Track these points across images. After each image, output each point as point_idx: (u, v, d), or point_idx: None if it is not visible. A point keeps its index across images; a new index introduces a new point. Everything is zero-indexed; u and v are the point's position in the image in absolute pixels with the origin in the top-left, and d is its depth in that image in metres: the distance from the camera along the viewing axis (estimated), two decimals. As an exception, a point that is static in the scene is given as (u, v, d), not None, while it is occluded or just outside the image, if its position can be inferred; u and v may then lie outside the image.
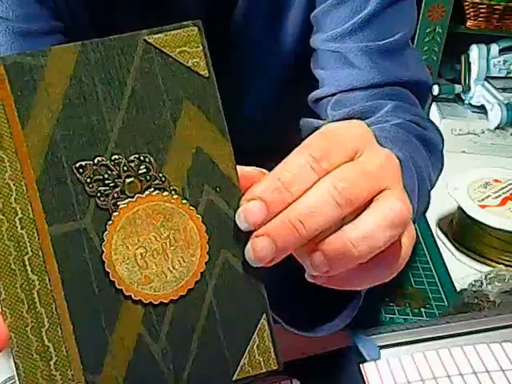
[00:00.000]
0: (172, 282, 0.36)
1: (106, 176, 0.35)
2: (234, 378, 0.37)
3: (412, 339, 0.53)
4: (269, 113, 0.90)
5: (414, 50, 0.79)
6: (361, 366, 0.51)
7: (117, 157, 0.35)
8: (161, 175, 0.36)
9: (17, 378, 0.35)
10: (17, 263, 0.34)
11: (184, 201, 0.36)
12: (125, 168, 0.35)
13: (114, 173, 0.35)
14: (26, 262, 0.35)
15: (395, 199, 0.37)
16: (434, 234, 0.88)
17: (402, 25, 0.75)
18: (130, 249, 0.36)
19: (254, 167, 0.38)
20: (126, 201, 0.35)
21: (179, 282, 0.36)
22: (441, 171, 0.78)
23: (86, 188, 0.35)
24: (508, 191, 0.86)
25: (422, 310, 0.73)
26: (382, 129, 0.67)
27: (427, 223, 0.90)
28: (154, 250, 0.36)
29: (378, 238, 0.36)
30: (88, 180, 0.35)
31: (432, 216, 0.92)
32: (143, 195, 0.35)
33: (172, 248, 0.36)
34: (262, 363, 0.37)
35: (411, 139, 0.67)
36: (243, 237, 0.36)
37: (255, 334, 0.37)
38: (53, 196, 0.35)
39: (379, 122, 0.70)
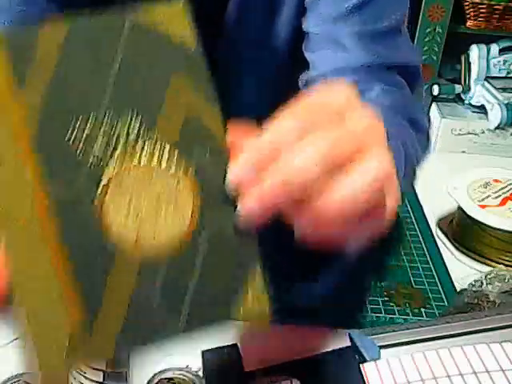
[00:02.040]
0: (166, 238, 0.38)
1: (99, 136, 0.36)
2: (227, 317, 0.38)
3: (412, 339, 0.53)
4: (266, 111, 0.90)
5: (405, 33, 0.80)
6: (361, 365, 0.51)
7: (109, 119, 0.37)
8: (152, 137, 0.37)
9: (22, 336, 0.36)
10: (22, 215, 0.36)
11: (175, 162, 0.37)
12: (117, 129, 0.37)
13: (106, 133, 0.36)
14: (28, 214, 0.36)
15: (380, 156, 0.38)
16: (434, 234, 0.88)
17: (395, 9, 0.75)
18: (123, 206, 0.37)
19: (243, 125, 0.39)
20: (119, 160, 0.36)
21: (173, 239, 0.38)
22: (427, 151, 0.79)
23: (80, 146, 0.36)
24: (508, 191, 0.86)
25: (422, 309, 0.73)
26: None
27: (427, 223, 0.90)
28: (146, 207, 0.37)
29: (363, 193, 0.37)
30: (82, 139, 0.36)
31: (432, 216, 0.92)
32: (135, 155, 0.37)
33: (164, 206, 0.37)
34: (257, 311, 0.38)
35: (399, 119, 0.68)
36: (233, 196, 0.38)
37: (249, 283, 0.39)
38: (48, 154, 0.36)
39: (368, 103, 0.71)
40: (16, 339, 0.42)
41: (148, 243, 0.37)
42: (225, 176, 0.38)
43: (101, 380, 0.51)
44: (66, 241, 0.36)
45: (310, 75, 0.78)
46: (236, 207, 0.37)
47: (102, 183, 0.36)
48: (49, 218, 0.36)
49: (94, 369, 0.50)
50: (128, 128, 0.37)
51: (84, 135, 0.36)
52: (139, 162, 0.37)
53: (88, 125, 0.36)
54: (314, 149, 0.37)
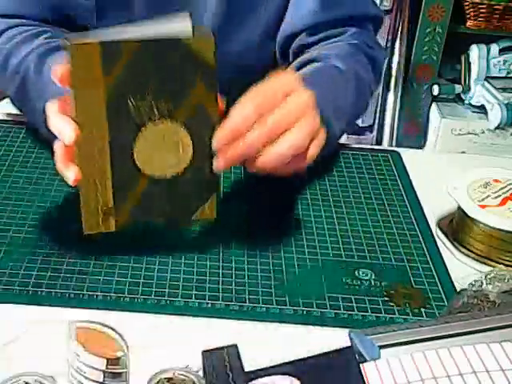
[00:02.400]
0: (167, 169, 0.71)
1: (145, 110, 0.67)
2: (192, 218, 0.74)
3: (411, 339, 0.53)
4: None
5: None
6: (361, 365, 0.51)
7: (153, 101, 0.67)
8: (174, 114, 0.68)
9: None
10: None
11: (183, 127, 0.69)
12: (155, 107, 0.67)
13: (148, 109, 0.67)
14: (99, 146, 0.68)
15: (301, 129, 0.68)
16: (434, 234, 0.88)
17: None
18: (148, 149, 0.69)
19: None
20: (150, 123, 0.68)
21: (173, 170, 0.71)
22: (379, 83, 1.07)
23: (132, 115, 0.67)
24: (508, 191, 0.86)
25: (422, 310, 0.73)
26: (337, 46, 0.95)
27: (427, 223, 0.90)
28: (160, 150, 0.69)
29: (285, 153, 0.68)
30: (133, 110, 0.67)
31: (432, 216, 0.92)
32: (161, 121, 0.68)
33: (171, 151, 0.70)
34: (209, 213, 0.74)
35: (360, 56, 0.95)
36: (212, 153, 0.69)
37: (208, 202, 0.73)
38: (114, 118, 0.67)
39: (340, 40, 0.96)
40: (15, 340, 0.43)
41: (158, 171, 0.70)
42: (211, 139, 0.69)
43: (101, 380, 0.51)
44: (112, 165, 0.68)
45: (285, 31, 0.99)
46: (212, 160, 0.70)
47: (139, 133, 0.68)
48: (105, 151, 0.68)
49: (94, 369, 0.50)
50: (162, 109, 0.67)
51: (136, 107, 0.66)
52: (162, 125, 0.68)
53: (139, 103, 0.66)
54: (260, 130, 0.66)
